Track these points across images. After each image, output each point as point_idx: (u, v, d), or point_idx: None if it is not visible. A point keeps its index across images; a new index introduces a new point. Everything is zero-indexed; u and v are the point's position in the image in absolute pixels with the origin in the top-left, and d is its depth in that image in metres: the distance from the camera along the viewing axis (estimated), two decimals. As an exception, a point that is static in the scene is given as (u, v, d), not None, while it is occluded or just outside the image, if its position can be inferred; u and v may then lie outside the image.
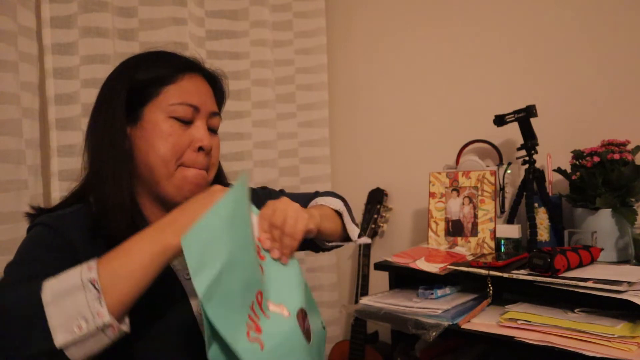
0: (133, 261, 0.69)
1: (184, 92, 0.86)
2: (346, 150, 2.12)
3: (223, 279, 0.67)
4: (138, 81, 0.86)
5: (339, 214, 1.04)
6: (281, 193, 1.14)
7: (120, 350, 0.76)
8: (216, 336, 0.66)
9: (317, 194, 1.13)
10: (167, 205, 0.86)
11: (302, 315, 0.78)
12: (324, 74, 2.04)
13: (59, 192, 1.45)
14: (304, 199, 1.09)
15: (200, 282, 0.65)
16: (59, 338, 0.62)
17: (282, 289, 0.79)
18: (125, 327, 0.69)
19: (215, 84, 0.97)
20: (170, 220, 0.73)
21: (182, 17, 1.69)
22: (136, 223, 0.82)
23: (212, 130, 0.92)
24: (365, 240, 1.27)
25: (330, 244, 1.03)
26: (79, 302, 0.64)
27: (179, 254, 0.70)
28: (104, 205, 0.81)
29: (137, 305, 0.77)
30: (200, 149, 0.86)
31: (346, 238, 1.06)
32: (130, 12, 1.63)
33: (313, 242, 1.02)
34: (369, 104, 2.06)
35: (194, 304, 0.84)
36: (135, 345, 0.78)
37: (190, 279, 0.83)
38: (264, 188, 1.14)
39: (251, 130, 1.92)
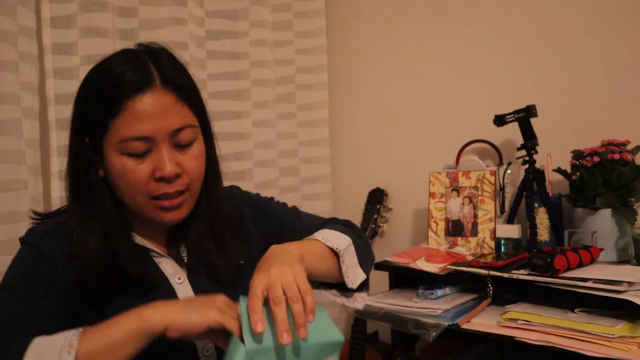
0: (112, 338, 0.70)
1: (132, 123, 0.76)
2: (346, 150, 2.12)
3: None
4: (87, 114, 0.80)
5: (335, 253, 0.88)
6: (284, 210, 1.03)
7: None
8: None
9: (326, 224, 0.98)
10: (156, 223, 0.85)
11: None
12: (324, 74, 2.04)
13: (59, 192, 1.45)
14: (309, 229, 0.96)
15: None
16: None
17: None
18: None
19: (178, 87, 0.81)
20: (160, 303, 0.73)
21: (182, 17, 1.69)
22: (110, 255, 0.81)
23: (182, 146, 0.81)
24: (360, 302, 0.93)
25: (324, 290, 0.91)
26: None
27: (161, 332, 0.70)
28: (76, 246, 0.81)
29: (127, 309, 0.78)
30: (162, 178, 0.78)
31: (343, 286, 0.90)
32: (130, 12, 1.63)
33: None
34: (369, 104, 2.06)
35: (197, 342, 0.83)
36: None
37: (181, 282, 0.84)
38: (266, 198, 1.05)
39: (251, 130, 1.92)
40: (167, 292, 0.84)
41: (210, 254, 0.88)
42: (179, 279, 0.85)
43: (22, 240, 0.83)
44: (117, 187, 0.81)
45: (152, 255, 0.86)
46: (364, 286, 0.94)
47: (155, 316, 0.71)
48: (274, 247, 0.80)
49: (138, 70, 0.78)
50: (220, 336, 0.72)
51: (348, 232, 0.93)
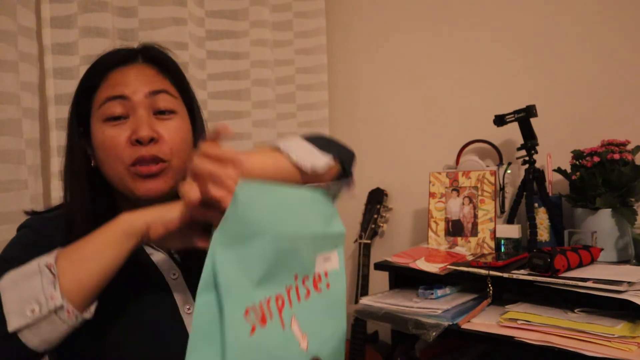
0: (93, 243, 0.69)
1: (110, 88, 0.81)
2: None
3: (256, 235, 0.62)
4: (78, 97, 0.84)
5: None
6: None
7: (106, 352, 0.76)
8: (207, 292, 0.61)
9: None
10: (140, 204, 0.83)
11: None
12: (324, 74, 2.04)
13: (59, 192, 1.45)
14: None
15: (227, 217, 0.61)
16: (13, 322, 0.63)
17: (318, 320, 0.72)
18: (88, 314, 0.68)
19: (161, 63, 0.86)
20: (139, 210, 0.73)
21: (182, 17, 1.69)
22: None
23: (162, 113, 0.82)
24: (324, 164, 0.77)
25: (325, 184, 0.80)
26: (34, 286, 0.64)
27: (142, 236, 0.70)
28: (67, 221, 0.82)
29: (122, 309, 0.78)
30: (137, 141, 0.78)
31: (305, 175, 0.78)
32: (130, 12, 1.63)
33: None
34: (369, 104, 2.06)
35: (180, 304, 0.82)
36: (120, 347, 0.78)
37: (176, 278, 0.84)
38: None
39: (251, 130, 1.92)
40: (160, 286, 0.83)
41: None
42: (174, 274, 0.85)
43: (22, 225, 0.83)
44: (101, 162, 0.82)
45: (144, 248, 0.85)
46: (345, 175, 0.84)
47: (132, 217, 0.71)
48: None
49: (122, 51, 0.86)
50: (204, 236, 0.73)
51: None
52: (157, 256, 0.86)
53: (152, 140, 0.79)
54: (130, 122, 0.80)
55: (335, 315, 0.75)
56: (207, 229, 0.73)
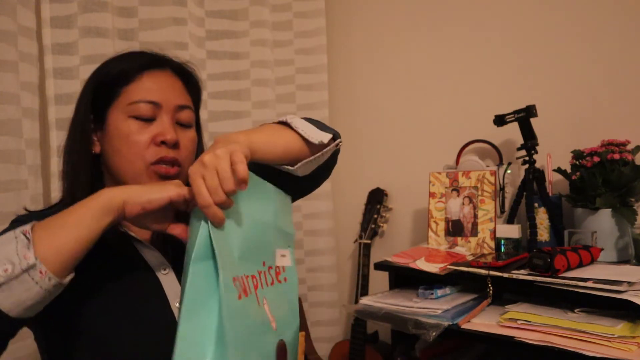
0: (70, 214, 0.70)
1: (144, 89, 0.85)
2: (346, 150, 2.10)
3: (242, 217, 0.70)
4: (100, 84, 0.86)
5: (287, 125, 0.86)
6: None
7: (97, 348, 0.76)
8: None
9: None
10: None
11: (282, 349, 0.77)
12: (324, 74, 2.04)
13: (59, 192, 1.44)
14: None
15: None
16: None
17: (281, 306, 0.78)
18: (62, 280, 0.68)
19: (187, 77, 0.92)
20: (119, 187, 0.75)
21: (182, 17, 1.69)
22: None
23: (183, 125, 0.88)
24: (329, 142, 0.88)
25: (296, 166, 0.84)
26: (9, 250, 0.65)
27: (119, 212, 0.71)
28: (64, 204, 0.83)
29: (113, 306, 0.79)
30: (163, 142, 0.83)
31: (313, 148, 0.86)
32: (130, 12, 1.63)
33: (284, 178, 0.84)
34: (369, 104, 2.06)
35: (171, 299, 0.83)
36: (111, 343, 0.78)
37: (167, 274, 0.85)
38: None
39: (251, 130, 1.92)
40: (151, 282, 0.84)
41: None
42: (164, 270, 0.85)
43: (13, 220, 0.84)
44: (117, 153, 0.84)
45: (134, 244, 0.86)
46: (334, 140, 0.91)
47: (111, 192, 0.72)
48: (218, 137, 0.76)
49: (155, 54, 0.90)
50: (178, 226, 0.77)
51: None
52: (148, 252, 0.86)
53: (174, 146, 0.84)
54: (155, 124, 0.84)
55: (292, 308, 0.82)
56: (179, 216, 0.78)
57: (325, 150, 0.87)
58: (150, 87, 0.85)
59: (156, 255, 0.86)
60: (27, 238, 0.66)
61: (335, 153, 0.95)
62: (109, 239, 0.78)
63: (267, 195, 0.80)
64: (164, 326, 0.80)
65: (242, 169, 0.67)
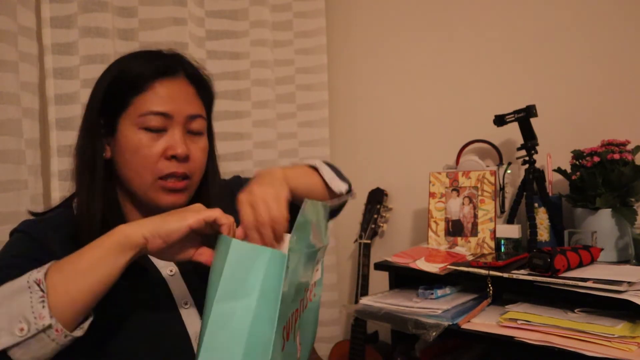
0: (87, 257, 0.68)
1: (155, 100, 0.83)
2: (346, 150, 2.12)
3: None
4: (111, 90, 0.84)
5: (314, 169, 0.97)
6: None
7: (102, 349, 0.76)
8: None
9: None
10: (152, 213, 0.86)
11: None
12: (324, 74, 2.04)
13: (58, 192, 1.45)
14: None
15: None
16: (2, 340, 0.63)
17: (307, 329, 0.78)
18: (80, 332, 0.67)
19: (200, 83, 0.90)
20: (136, 221, 0.73)
21: (182, 17, 1.69)
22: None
23: (194, 133, 0.87)
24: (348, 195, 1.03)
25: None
26: (23, 303, 0.64)
27: (140, 248, 0.69)
28: (79, 214, 0.82)
29: (119, 307, 0.78)
30: (173, 157, 0.82)
31: (332, 195, 0.98)
32: (130, 12, 1.63)
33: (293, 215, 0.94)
34: (369, 104, 2.06)
35: (192, 336, 0.82)
36: (119, 344, 0.78)
37: (173, 274, 0.84)
38: (237, 177, 1.10)
39: (251, 130, 1.92)
40: (158, 283, 0.84)
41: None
42: (171, 271, 0.85)
43: (14, 229, 0.83)
44: (127, 164, 0.83)
45: (162, 273, 0.86)
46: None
47: (129, 229, 0.70)
48: (260, 170, 0.86)
49: (167, 59, 0.87)
50: (204, 252, 0.75)
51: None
52: (173, 282, 0.86)
53: (184, 159, 0.83)
54: (166, 136, 0.83)
55: (315, 321, 0.82)
56: (204, 240, 0.76)
57: (342, 199, 0.98)
58: (162, 98, 0.83)
59: (180, 286, 0.85)
60: (42, 289, 0.64)
61: (344, 202, 1.04)
62: (139, 266, 0.78)
63: (320, 215, 0.79)
64: (171, 327, 0.81)
65: (280, 230, 0.75)
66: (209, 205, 0.87)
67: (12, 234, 0.83)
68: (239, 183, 1.02)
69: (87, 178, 0.84)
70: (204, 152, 0.89)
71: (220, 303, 0.62)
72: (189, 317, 0.83)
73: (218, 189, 0.94)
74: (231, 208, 0.96)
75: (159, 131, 0.83)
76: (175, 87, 0.85)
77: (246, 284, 0.63)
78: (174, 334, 0.81)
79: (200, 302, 0.83)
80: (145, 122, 0.82)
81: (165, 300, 0.83)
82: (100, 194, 0.83)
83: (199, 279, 0.85)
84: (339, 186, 0.97)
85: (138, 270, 0.81)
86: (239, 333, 0.62)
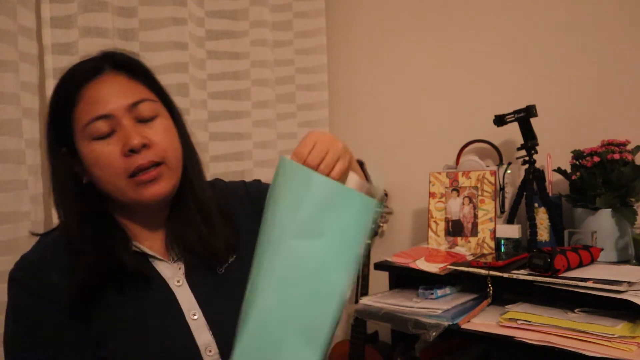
0: None
1: (88, 107, 0.80)
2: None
3: None
4: (53, 118, 0.83)
5: (360, 163, 0.93)
6: (258, 183, 1.06)
7: None
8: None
9: None
10: (148, 215, 0.86)
11: None
12: (324, 74, 2.04)
13: (59, 192, 1.45)
14: None
15: None
16: None
17: None
18: None
19: (129, 68, 0.85)
20: None
21: (182, 17, 1.69)
22: (103, 254, 0.81)
23: (147, 119, 0.82)
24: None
25: None
26: None
27: None
28: (69, 251, 0.81)
29: (128, 320, 0.79)
30: (132, 150, 0.79)
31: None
32: (130, 12, 1.63)
33: None
34: (369, 104, 2.06)
35: (186, 311, 0.83)
36: (128, 358, 0.78)
37: (180, 285, 0.84)
38: (254, 180, 1.06)
39: (251, 130, 1.92)
40: (166, 295, 0.83)
41: (203, 239, 0.86)
42: (178, 281, 0.85)
43: (11, 275, 0.81)
44: (98, 179, 0.81)
45: (150, 260, 0.86)
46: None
47: None
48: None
49: (89, 62, 0.84)
50: None
51: None
52: (162, 265, 0.86)
53: (144, 147, 0.80)
54: (118, 135, 0.80)
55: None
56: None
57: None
58: (93, 102, 0.80)
59: (169, 267, 0.86)
60: None
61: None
62: (126, 261, 0.80)
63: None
64: (180, 338, 0.80)
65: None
66: (192, 187, 0.88)
67: (9, 281, 0.81)
68: (257, 187, 1.01)
69: (71, 210, 0.83)
70: (167, 133, 0.84)
71: (295, 240, 0.58)
72: (198, 329, 0.82)
73: (201, 171, 0.92)
74: (249, 209, 0.95)
75: (110, 134, 0.80)
76: (104, 85, 0.81)
77: (325, 224, 0.59)
78: (183, 347, 0.81)
79: (208, 313, 0.84)
80: (91, 132, 0.79)
81: (173, 311, 0.83)
82: (88, 220, 0.82)
83: (206, 289, 0.86)
84: (379, 190, 0.92)
85: (143, 280, 0.82)
86: (307, 277, 0.58)
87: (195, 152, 0.92)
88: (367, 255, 1.90)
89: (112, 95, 0.81)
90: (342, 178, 0.71)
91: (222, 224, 0.89)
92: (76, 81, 0.81)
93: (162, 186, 0.82)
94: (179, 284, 0.85)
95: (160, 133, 0.82)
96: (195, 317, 0.83)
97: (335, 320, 0.59)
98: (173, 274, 0.85)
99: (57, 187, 0.85)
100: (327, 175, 0.72)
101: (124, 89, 0.82)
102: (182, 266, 0.87)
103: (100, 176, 0.81)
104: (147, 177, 0.80)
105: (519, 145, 1.55)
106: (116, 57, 0.85)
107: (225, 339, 0.81)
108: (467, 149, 1.76)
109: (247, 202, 0.97)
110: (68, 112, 0.81)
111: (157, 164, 0.81)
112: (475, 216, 1.53)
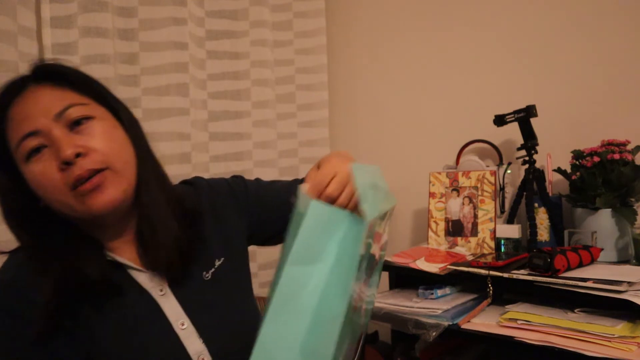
0: None
1: (15, 126, 0.75)
2: (346, 150, 2.12)
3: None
4: None
5: None
6: (257, 182, 1.02)
7: None
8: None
9: (296, 182, 0.99)
10: (103, 222, 0.81)
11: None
12: (324, 74, 2.04)
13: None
14: (286, 190, 0.96)
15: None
16: None
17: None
18: None
19: (52, 74, 0.80)
20: None
21: (182, 17, 1.69)
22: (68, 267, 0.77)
23: (80, 123, 0.77)
24: None
25: None
26: None
27: None
28: (34, 271, 0.78)
29: (115, 336, 0.76)
30: (66, 163, 0.73)
31: None
32: (130, 12, 1.63)
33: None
34: (369, 104, 2.06)
35: (173, 320, 0.80)
36: None
37: (164, 294, 0.81)
38: (236, 177, 1.01)
39: (251, 130, 1.92)
40: (150, 306, 0.81)
41: (169, 245, 0.82)
42: (161, 290, 0.82)
43: None
44: (44, 199, 0.77)
45: (128, 271, 0.82)
46: None
47: None
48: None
49: (12, 81, 0.80)
50: None
51: None
52: (140, 275, 0.82)
53: (79, 156, 0.75)
54: (51, 149, 0.75)
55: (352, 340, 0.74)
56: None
57: None
58: (21, 120, 0.75)
59: (149, 276, 0.82)
60: None
61: None
62: (93, 274, 0.76)
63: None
64: (169, 349, 0.78)
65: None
66: (147, 191, 0.82)
67: None
68: (240, 183, 0.98)
69: (25, 233, 0.80)
70: (106, 136, 0.78)
71: (293, 266, 0.58)
72: (188, 338, 0.80)
73: (157, 170, 0.87)
74: (235, 206, 0.93)
75: (41, 150, 0.75)
76: (27, 100, 0.77)
77: (321, 249, 0.59)
78: (175, 358, 0.78)
79: (197, 321, 0.81)
80: (24, 152, 0.75)
81: (159, 322, 0.80)
82: (49, 237, 0.78)
83: (193, 297, 0.83)
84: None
85: (120, 293, 0.78)
86: (308, 302, 0.57)
87: (150, 153, 0.87)
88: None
89: (37, 109, 0.76)
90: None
91: (187, 225, 0.85)
92: (2, 103, 0.77)
93: (109, 193, 0.77)
94: (162, 293, 0.82)
95: (98, 137, 0.77)
96: (184, 327, 0.80)
97: (336, 342, 0.59)
98: (155, 283, 0.82)
99: (7, 212, 0.80)
100: (346, 206, 0.70)
101: (48, 99, 0.77)
102: (164, 275, 0.83)
103: (45, 196, 0.76)
104: (89, 186, 0.75)
105: (519, 145, 1.55)
106: (38, 70, 0.80)
107: (217, 345, 0.81)
108: (467, 149, 1.76)
109: (232, 199, 0.94)
110: (2, 137, 0.77)
111: (98, 171, 0.76)
112: (475, 216, 1.53)
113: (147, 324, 0.79)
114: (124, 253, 0.83)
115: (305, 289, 0.58)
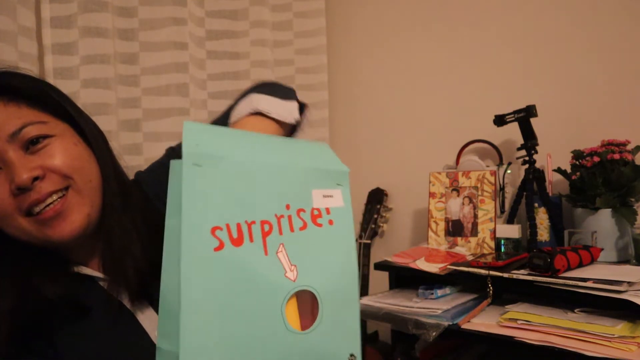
0: None
1: None
2: (346, 150, 2.12)
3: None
4: None
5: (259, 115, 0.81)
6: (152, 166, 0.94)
7: None
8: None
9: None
10: (73, 248, 0.76)
11: (305, 300, 0.65)
12: (324, 74, 2.04)
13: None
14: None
15: None
16: None
17: (315, 253, 0.68)
18: None
19: (8, 89, 0.72)
20: None
21: (182, 17, 1.69)
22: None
23: (38, 142, 0.70)
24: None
25: None
26: None
27: None
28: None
29: (92, 354, 0.72)
30: (19, 189, 0.67)
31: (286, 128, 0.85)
32: (130, 12, 1.63)
33: None
34: (369, 104, 2.06)
35: (150, 331, 0.75)
36: None
37: (137, 305, 0.75)
38: (170, 148, 0.93)
39: (251, 130, 1.92)
40: (127, 320, 0.76)
41: (133, 267, 0.76)
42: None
43: None
44: (3, 230, 0.71)
45: (99, 282, 0.77)
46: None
47: None
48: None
49: None
50: None
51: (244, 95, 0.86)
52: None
53: (37, 179, 0.69)
54: (5, 172, 0.69)
55: (340, 250, 0.71)
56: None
57: (300, 125, 0.86)
58: None
59: (152, 319, 0.77)
60: None
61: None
62: (66, 292, 0.71)
63: (294, 144, 0.74)
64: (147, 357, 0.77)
65: None
66: (111, 212, 0.76)
67: None
68: (144, 180, 0.90)
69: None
70: (66, 153, 0.72)
71: (168, 219, 0.58)
72: (139, 311, 0.76)
73: (118, 187, 0.79)
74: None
75: None
76: None
77: (178, 199, 0.58)
78: (129, 330, 0.74)
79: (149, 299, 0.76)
80: None
81: (138, 337, 0.75)
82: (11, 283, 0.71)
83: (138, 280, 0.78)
84: (292, 114, 0.83)
85: (85, 309, 0.73)
86: (177, 247, 0.57)
87: (117, 169, 0.81)
88: (367, 255, 1.90)
89: None
90: None
91: (153, 240, 0.77)
92: None
93: (72, 220, 0.71)
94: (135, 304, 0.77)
95: (59, 155, 0.71)
96: None
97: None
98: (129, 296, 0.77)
99: None
100: None
101: (2, 118, 0.69)
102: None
103: (2, 226, 0.71)
104: (51, 213, 0.69)
105: (519, 145, 1.55)
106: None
107: None
108: (467, 149, 1.76)
109: (157, 186, 0.86)
110: None
111: (58, 193, 0.70)
112: (475, 216, 1.53)
113: (127, 340, 0.75)
114: (94, 265, 0.79)
115: (177, 236, 0.58)
